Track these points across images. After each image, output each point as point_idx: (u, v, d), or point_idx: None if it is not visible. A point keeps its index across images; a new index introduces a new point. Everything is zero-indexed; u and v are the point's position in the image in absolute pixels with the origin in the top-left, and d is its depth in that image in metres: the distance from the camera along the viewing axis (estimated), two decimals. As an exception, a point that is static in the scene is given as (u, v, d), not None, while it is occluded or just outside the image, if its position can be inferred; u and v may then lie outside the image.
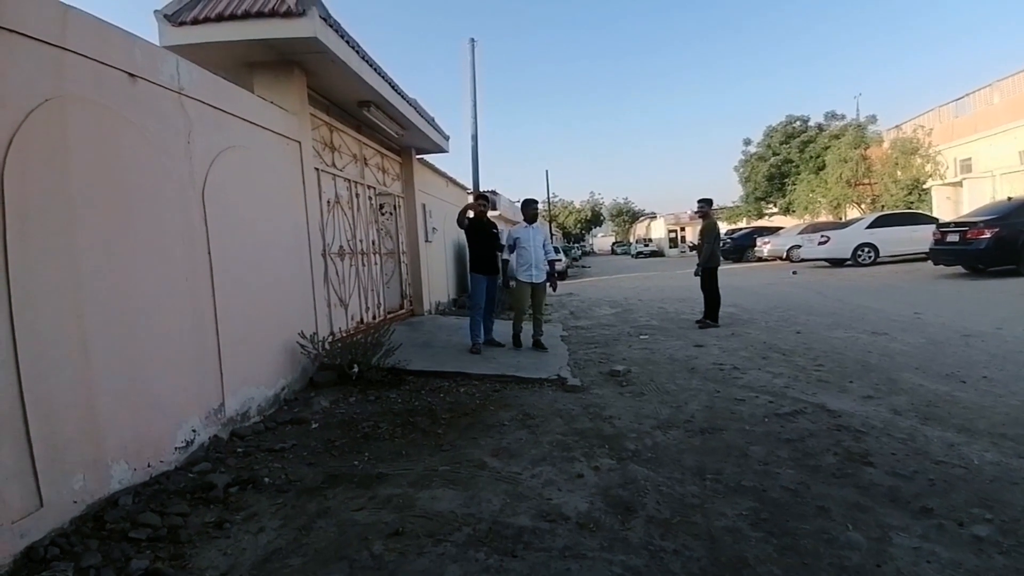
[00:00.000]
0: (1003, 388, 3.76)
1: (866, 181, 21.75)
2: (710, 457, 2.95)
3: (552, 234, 37.11)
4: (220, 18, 4.18)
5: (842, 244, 14.97)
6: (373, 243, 6.87)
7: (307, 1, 4.16)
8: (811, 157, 24.62)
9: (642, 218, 60.82)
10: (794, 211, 25.61)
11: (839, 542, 2.08)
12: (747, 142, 29.10)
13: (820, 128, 25.48)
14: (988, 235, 9.48)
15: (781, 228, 22.22)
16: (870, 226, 14.91)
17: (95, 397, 2.46)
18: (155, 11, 4.22)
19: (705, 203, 7.42)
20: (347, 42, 4.85)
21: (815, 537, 2.12)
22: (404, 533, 2.26)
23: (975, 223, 9.87)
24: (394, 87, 6.23)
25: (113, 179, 2.70)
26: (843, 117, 24.65)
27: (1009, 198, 10.99)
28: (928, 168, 19.80)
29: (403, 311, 8.03)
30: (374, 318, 6.63)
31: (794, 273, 14.39)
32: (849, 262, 14.87)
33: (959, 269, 10.74)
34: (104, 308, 2.56)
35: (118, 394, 2.60)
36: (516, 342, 6.02)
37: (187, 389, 3.11)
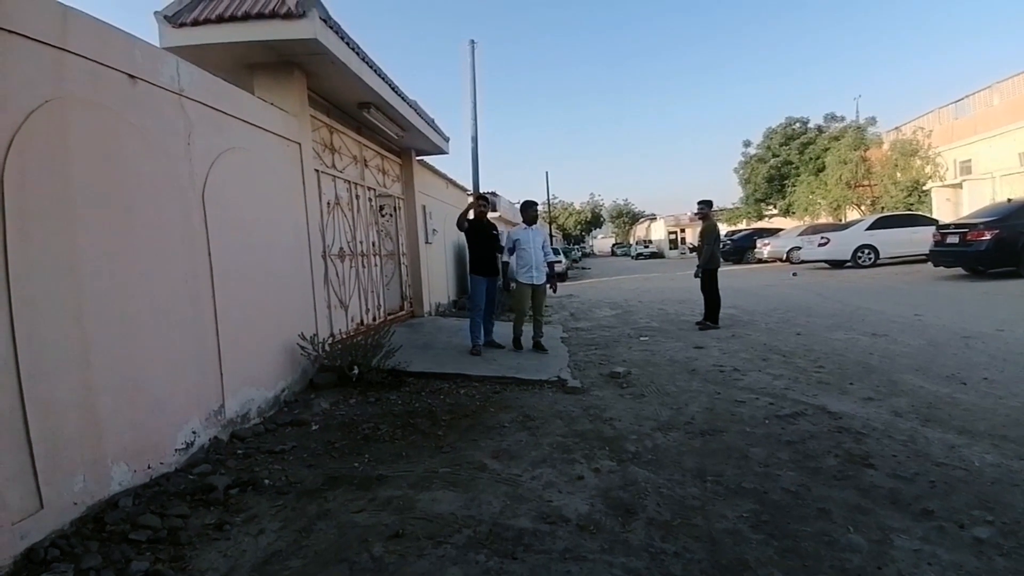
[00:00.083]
0: (1004, 390, 3.76)
1: (866, 183, 21.76)
2: (711, 459, 2.95)
3: (552, 236, 37.11)
4: (220, 19, 4.19)
5: (842, 246, 14.97)
6: (373, 244, 6.87)
7: (307, 3, 4.16)
8: (811, 159, 24.62)
9: (642, 219, 60.90)
10: (794, 213, 25.60)
11: (840, 544, 2.07)
12: (747, 144, 29.13)
13: (820, 130, 25.47)
14: (988, 237, 9.48)
15: (781, 230, 22.21)
16: (870, 228, 14.91)
17: (95, 398, 2.46)
18: (155, 12, 4.22)
19: (705, 205, 7.42)
20: (347, 43, 4.85)
21: (816, 539, 2.12)
22: (404, 535, 2.26)
23: (975, 225, 9.88)
24: (394, 88, 6.24)
25: (113, 180, 2.70)
26: (843, 119, 24.68)
27: (1009, 200, 10.98)
28: (928, 170, 19.79)
29: (403, 312, 8.03)
30: (374, 320, 6.63)
31: (794, 275, 14.38)
32: (849, 264, 14.88)
33: (959, 271, 10.74)
34: (104, 309, 2.56)
35: (118, 395, 2.60)
36: (516, 344, 6.02)
37: (187, 390, 3.10)
